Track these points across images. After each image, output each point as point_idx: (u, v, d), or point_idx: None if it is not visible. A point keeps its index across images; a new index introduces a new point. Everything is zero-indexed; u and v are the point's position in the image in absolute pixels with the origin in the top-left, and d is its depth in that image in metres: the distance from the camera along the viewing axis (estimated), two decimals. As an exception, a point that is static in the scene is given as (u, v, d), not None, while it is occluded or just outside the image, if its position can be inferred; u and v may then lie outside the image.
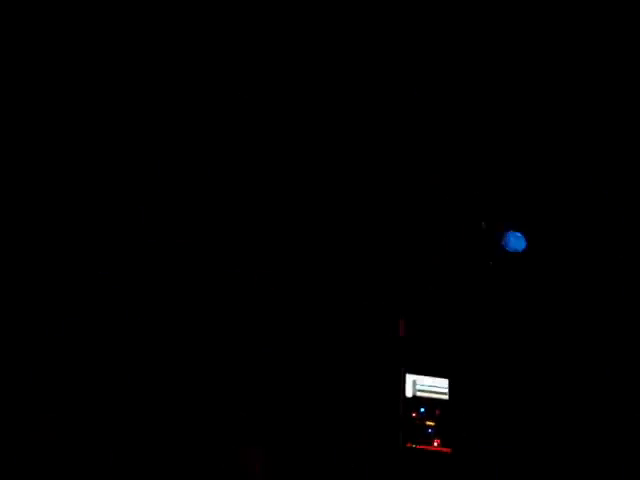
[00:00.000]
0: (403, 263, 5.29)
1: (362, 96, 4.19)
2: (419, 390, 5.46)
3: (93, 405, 4.43)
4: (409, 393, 5.44)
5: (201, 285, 4.76)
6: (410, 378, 5.46)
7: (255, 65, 3.93)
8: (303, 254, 5.01)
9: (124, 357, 4.53)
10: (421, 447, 5.27)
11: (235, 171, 4.63)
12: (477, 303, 5.22)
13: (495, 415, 5.30)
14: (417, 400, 5.40)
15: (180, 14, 3.58)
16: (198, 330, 4.73)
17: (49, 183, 4.42)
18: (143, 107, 4.19)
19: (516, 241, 4.91)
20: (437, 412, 5.38)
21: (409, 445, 5.24)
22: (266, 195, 4.53)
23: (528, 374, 5.30)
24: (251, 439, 4.94)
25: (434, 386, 5.53)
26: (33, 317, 4.40)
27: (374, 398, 5.21)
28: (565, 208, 5.02)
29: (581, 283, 5.14)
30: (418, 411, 5.34)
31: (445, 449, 5.30)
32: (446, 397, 5.54)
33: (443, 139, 4.89)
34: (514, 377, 5.32)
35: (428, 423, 5.33)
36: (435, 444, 5.30)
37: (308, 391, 5.18)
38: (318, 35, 3.72)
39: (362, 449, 5.20)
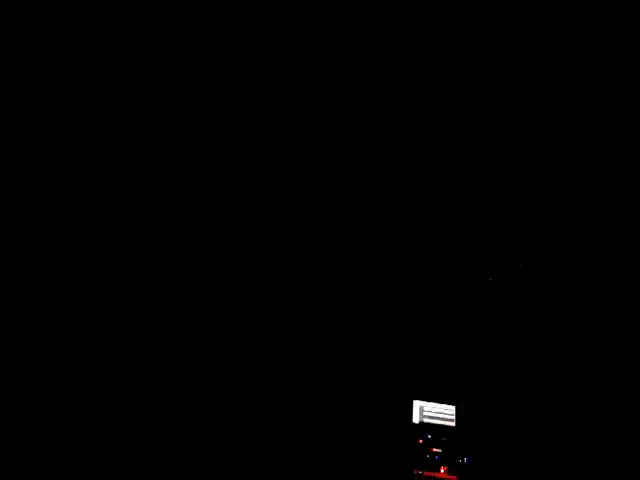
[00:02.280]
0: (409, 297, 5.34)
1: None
2: (426, 416, 5.48)
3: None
4: (416, 419, 5.46)
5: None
6: (417, 404, 5.48)
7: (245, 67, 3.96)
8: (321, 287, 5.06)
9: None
10: (428, 474, 5.26)
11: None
12: (482, 328, 5.25)
13: (502, 441, 5.29)
14: (424, 426, 5.41)
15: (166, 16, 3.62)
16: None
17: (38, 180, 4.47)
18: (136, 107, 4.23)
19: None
20: (444, 439, 5.38)
21: (416, 472, 5.24)
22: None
23: (534, 399, 5.29)
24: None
25: (441, 412, 5.54)
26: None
27: (382, 425, 5.23)
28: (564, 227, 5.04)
29: (583, 302, 5.15)
30: (425, 437, 5.35)
31: (452, 477, 5.29)
32: (453, 423, 5.55)
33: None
34: (521, 401, 5.31)
35: (435, 450, 5.34)
36: (442, 471, 5.30)
37: (316, 417, 5.21)
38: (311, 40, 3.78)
39: (370, 476, 5.21)
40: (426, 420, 5.48)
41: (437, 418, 5.53)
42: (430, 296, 5.48)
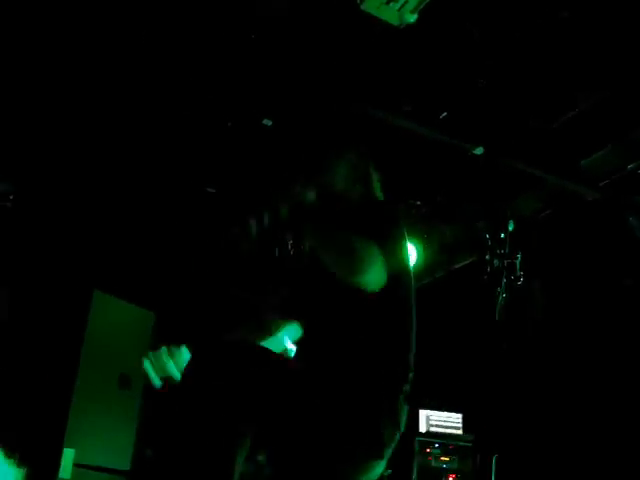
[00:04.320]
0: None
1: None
2: (433, 425, 5.38)
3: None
4: (423, 428, 5.35)
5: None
6: (423, 413, 5.39)
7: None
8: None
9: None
10: (436, 483, 5.12)
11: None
12: (487, 336, 5.19)
13: (510, 449, 5.13)
14: (431, 436, 5.30)
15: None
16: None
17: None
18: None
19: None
20: (451, 447, 5.25)
21: (423, 482, 5.11)
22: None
23: (542, 406, 5.16)
24: None
25: (448, 421, 5.43)
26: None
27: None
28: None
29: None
30: (432, 446, 5.23)
31: (460, 485, 5.14)
32: (460, 432, 5.43)
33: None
34: (529, 409, 5.18)
35: (442, 458, 5.20)
36: (450, 479, 5.14)
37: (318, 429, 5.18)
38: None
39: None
40: (433, 429, 5.37)
41: (444, 427, 5.41)
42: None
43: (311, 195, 2.29)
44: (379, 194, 2.45)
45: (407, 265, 2.24)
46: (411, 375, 2.14)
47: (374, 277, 2.03)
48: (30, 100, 4.27)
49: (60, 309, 4.89)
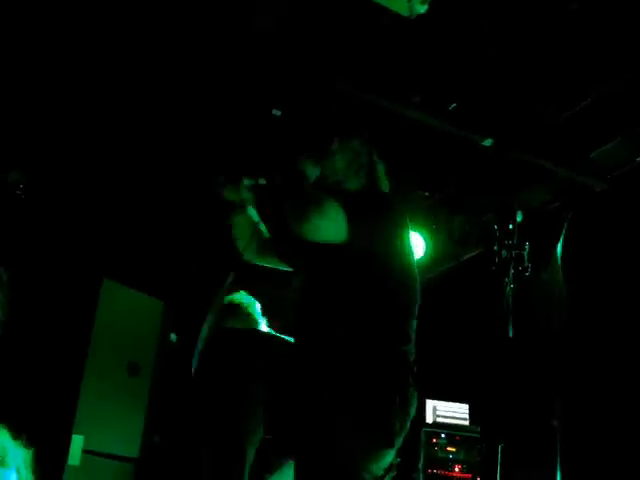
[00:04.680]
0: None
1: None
2: (439, 416, 5.39)
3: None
4: (429, 419, 5.36)
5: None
6: (430, 404, 5.40)
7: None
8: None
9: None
10: (442, 473, 5.13)
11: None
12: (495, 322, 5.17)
13: (518, 440, 5.13)
14: (437, 426, 5.31)
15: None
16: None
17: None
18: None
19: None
20: (457, 438, 5.26)
21: (430, 472, 5.12)
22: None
23: (551, 396, 5.16)
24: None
25: (454, 411, 5.44)
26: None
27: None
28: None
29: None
30: (439, 437, 5.24)
31: (466, 475, 5.14)
32: (466, 422, 5.44)
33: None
34: (536, 400, 5.18)
35: (449, 449, 5.21)
36: (456, 469, 5.16)
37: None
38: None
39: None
40: (439, 420, 5.38)
41: (451, 417, 5.42)
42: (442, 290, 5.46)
43: (313, 171, 2.32)
44: (384, 184, 2.45)
45: (399, 250, 2.23)
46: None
47: (319, 226, 2.06)
48: (40, 88, 4.28)
49: (69, 297, 4.91)
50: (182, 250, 5.33)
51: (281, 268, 2.61)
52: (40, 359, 4.63)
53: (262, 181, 2.35)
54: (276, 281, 2.86)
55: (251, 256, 2.62)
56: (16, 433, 2.26)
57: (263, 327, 3.49)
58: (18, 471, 2.20)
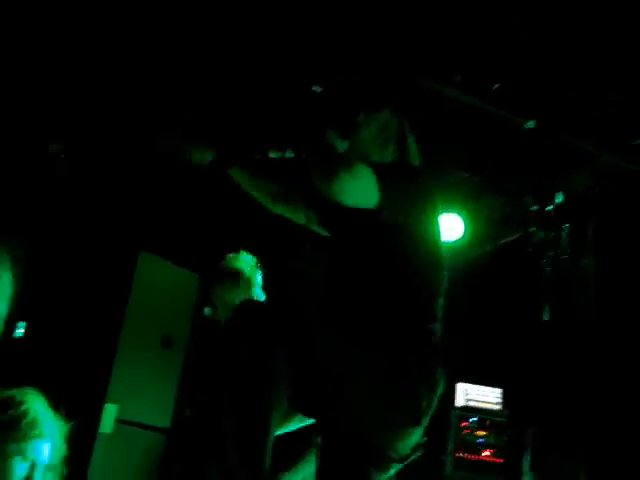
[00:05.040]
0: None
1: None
2: (470, 399, 5.35)
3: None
4: (460, 402, 5.33)
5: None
6: (461, 387, 5.36)
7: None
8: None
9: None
10: (471, 457, 5.10)
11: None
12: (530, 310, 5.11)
13: (549, 426, 5.08)
14: (468, 410, 5.28)
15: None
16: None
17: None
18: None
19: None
20: (488, 422, 5.22)
21: (458, 455, 5.09)
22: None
23: (584, 382, 5.08)
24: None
25: (486, 395, 5.40)
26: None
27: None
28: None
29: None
30: (469, 421, 5.21)
31: (497, 459, 5.11)
32: (498, 407, 5.39)
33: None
34: (569, 386, 5.11)
35: (479, 433, 5.18)
36: (486, 453, 5.13)
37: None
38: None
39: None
40: (471, 404, 5.34)
41: (482, 402, 5.38)
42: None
43: (342, 145, 2.28)
44: (414, 157, 2.39)
45: (428, 225, 2.18)
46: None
47: (349, 186, 1.98)
48: (82, 65, 4.30)
49: (107, 269, 4.97)
50: (219, 223, 5.34)
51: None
52: (76, 328, 4.69)
53: (289, 154, 2.31)
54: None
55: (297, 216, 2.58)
56: (51, 399, 2.29)
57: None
58: (53, 441, 2.23)
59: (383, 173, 2.03)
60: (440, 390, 2.05)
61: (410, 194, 2.11)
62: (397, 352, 1.96)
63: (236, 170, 2.45)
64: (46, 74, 4.35)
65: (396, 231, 2.07)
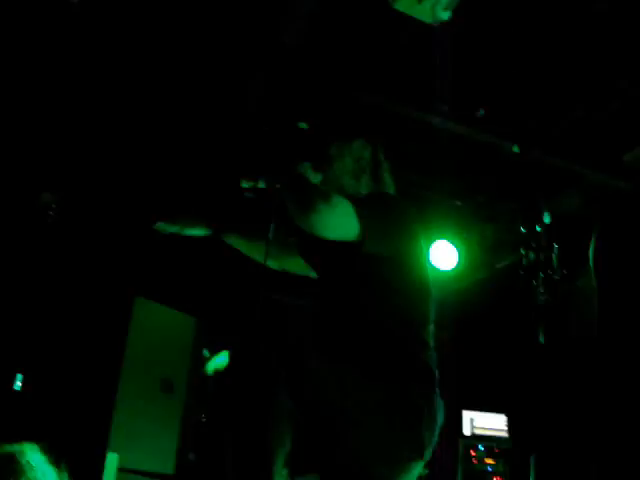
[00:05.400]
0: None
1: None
2: (477, 427, 5.30)
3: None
4: (467, 431, 5.28)
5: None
6: (467, 415, 5.32)
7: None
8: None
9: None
10: (481, 486, 5.05)
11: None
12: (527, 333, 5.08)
13: (558, 451, 5.02)
14: (475, 438, 5.23)
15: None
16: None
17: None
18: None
19: None
20: (496, 449, 5.17)
21: (467, 485, 5.04)
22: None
23: (590, 406, 5.03)
24: None
25: (493, 423, 5.35)
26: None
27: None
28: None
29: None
30: (477, 449, 5.15)
31: (506, 487, 5.06)
32: (505, 434, 5.34)
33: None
34: (575, 410, 5.07)
35: (487, 461, 5.12)
36: (495, 482, 5.08)
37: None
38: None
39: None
40: (478, 432, 5.29)
41: (489, 429, 5.33)
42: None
43: (316, 177, 2.27)
44: (389, 185, 2.38)
45: (412, 253, 2.17)
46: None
47: (329, 220, 1.97)
48: (72, 113, 4.33)
49: (102, 316, 4.95)
50: (213, 266, 5.33)
51: (309, 274, 2.54)
52: (74, 378, 4.65)
53: (261, 184, 2.28)
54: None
55: (276, 264, 2.58)
56: (51, 453, 2.26)
57: None
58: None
59: (361, 205, 2.02)
60: (441, 421, 2.03)
61: (390, 224, 2.10)
62: (395, 385, 1.95)
63: (231, 237, 2.47)
64: (39, 127, 4.39)
65: (380, 262, 2.06)
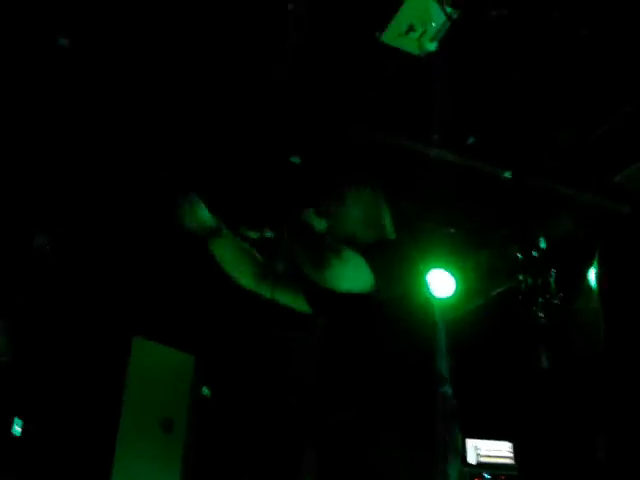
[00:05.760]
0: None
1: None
2: (481, 455, 5.25)
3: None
4: (472, 460, 5.23)
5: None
6: (471, 443, 5.27)
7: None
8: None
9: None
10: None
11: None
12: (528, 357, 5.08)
13: (565, 476, 4.98)
14: (480, 466, 5.18)
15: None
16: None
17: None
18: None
19: None
20: (502, 477, 5.12)
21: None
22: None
23: (594, 431, 5.01)
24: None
25: (497, 450, 5.30)
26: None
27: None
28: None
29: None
30: (482, 477, 5.10)
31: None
32: (511, 461, 5.29)
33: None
34: (577, 433, 5.03)
35: (494, 488, 5.08)
36: (503, 509, 5.02)
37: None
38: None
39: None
40: (483, 460, 5.24)
41: (494, 457, 5.28)
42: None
43: (320, 224, 2.27)
44: (390, 232, 2.39)
45: (422, 293, 2.19)
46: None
47: (342, 274, 1.97)
48: (71, 152, 4.33)
49: (100, 357, 4.93)
50: (209, 304, 5.32)
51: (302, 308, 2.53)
52: (74, 419, 4.62)
53: (268, 234, 2.29)
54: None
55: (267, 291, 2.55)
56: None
57: None
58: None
59: (371, 255, 2.02)
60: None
61: (400, 269, 2.11)
62: (418, 423, 1.94)
63: (219, 245, 2.43)
64: (30, 165, 4.39)
65: (393, 303, 2.06)
